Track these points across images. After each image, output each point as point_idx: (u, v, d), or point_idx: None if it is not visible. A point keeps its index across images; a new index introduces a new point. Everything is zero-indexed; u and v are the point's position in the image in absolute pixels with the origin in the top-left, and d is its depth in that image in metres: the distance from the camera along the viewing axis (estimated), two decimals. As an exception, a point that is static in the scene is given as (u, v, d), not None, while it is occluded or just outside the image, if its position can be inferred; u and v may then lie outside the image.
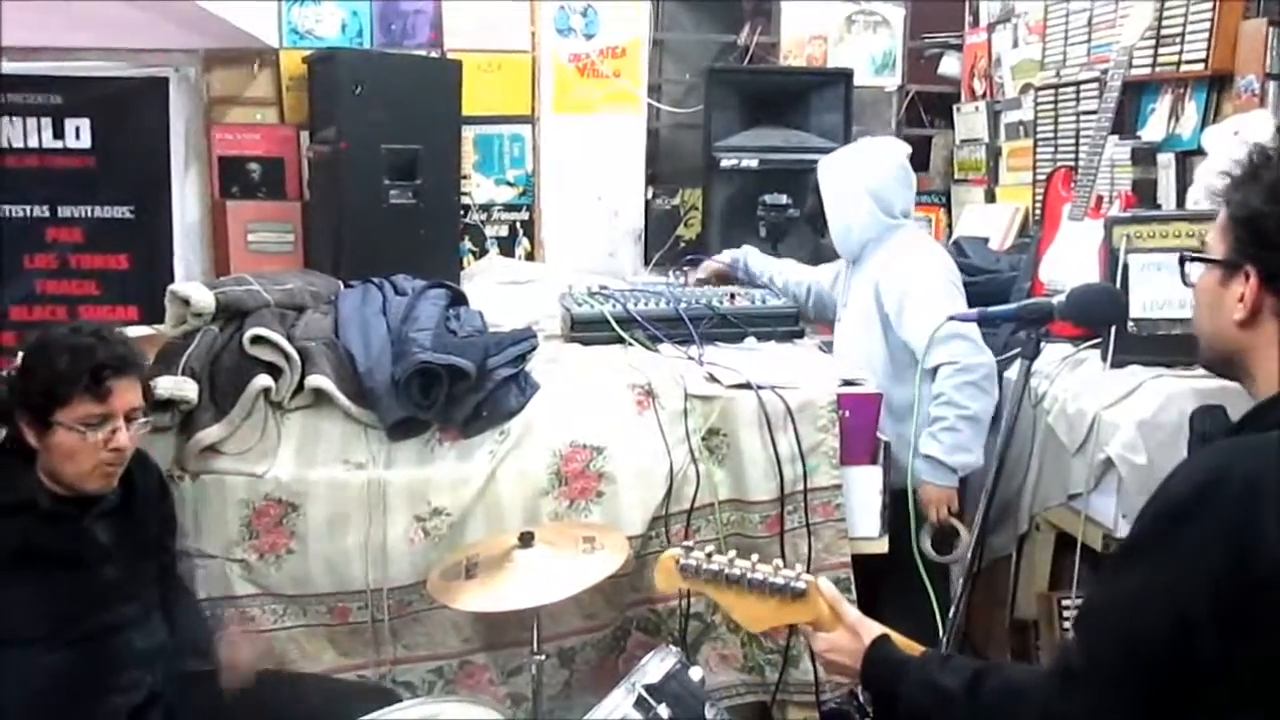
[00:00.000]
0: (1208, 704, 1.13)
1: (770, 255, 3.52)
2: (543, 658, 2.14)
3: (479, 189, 4.06)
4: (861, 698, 3.19)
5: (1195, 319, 1.38)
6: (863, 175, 2.85)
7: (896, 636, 1.51)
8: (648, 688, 1.80)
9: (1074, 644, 1.25)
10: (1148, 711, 1.16)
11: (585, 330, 2.84)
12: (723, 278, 3.35)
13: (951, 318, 2.11)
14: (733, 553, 1.55)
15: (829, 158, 3.01)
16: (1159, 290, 2.56)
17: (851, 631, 1.51)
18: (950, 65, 4.50)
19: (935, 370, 2.62)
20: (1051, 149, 3.75)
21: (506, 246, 4.11)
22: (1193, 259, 1.36)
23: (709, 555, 1.53)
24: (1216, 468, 1.16)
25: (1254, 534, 1.09)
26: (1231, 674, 1.11)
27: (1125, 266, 2.59)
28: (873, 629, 1.51)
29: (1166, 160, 3.16)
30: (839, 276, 3.07)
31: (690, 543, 1.57)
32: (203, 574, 2.36)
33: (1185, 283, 1.37)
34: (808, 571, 2.44)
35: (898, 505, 2.55)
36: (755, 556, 1.55)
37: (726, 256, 3.37)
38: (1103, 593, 1.29)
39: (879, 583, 2.64)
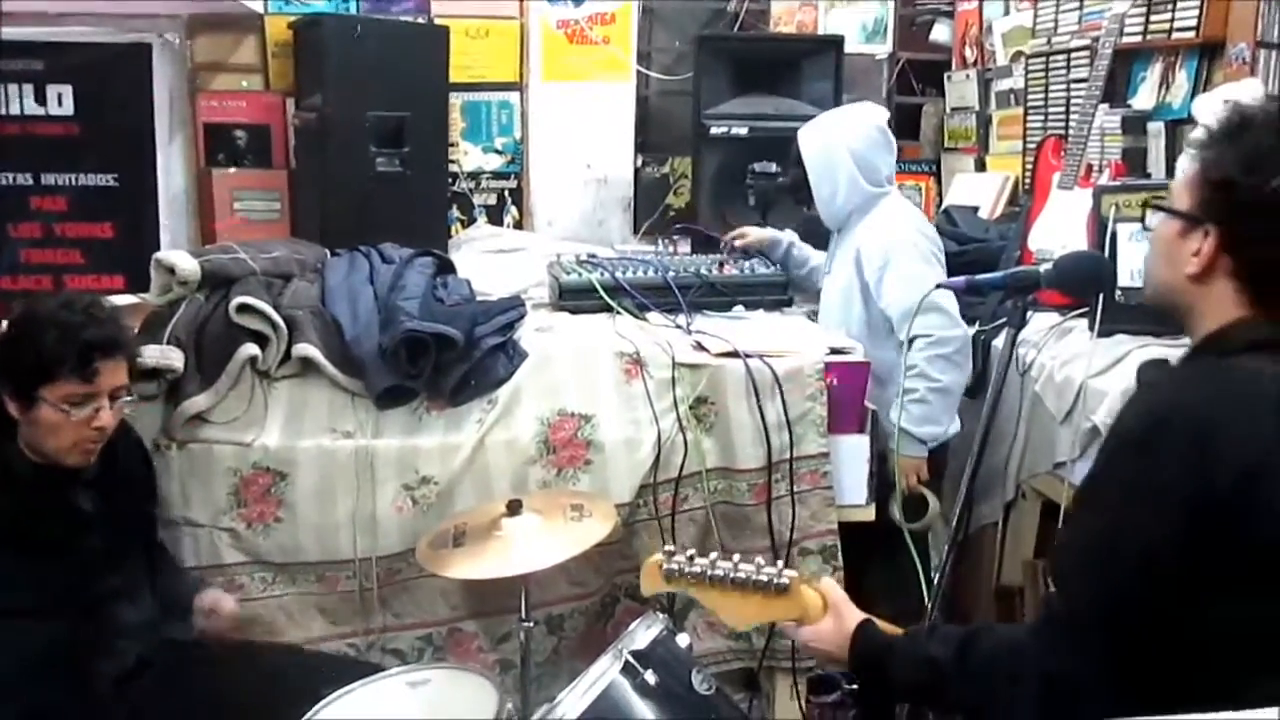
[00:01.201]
0: (1189, 634, 1.16)
1: (760, 225, 3.52)
2: (531, 625, 2.15)
3: (467, 157, 4.04)
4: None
5: (1148, 263, 1.41)
6: (843, 140, 2.83)
7: (878, 621, 1.51)
8: (635, 654, 1.80)
9: (1054, 594, 1.28)
10: (1136, 647, 1.18)
11: (573, 299, 2.83)
12: (758, 249, 3.24)
13: (939, 285, 2.10)
14: (715, 554, 1.56)
15: (808, 125, 2.98)
16: (1147, 259, 2.56)
17: (835, 618, 1.50)
18: (941, 32, 4.48)
19: (911, 341, 2.62)
20: (1042, 117, 3.74)
21: (495, 215, 4.09)
22: (1157, 207, 1.38)
23: (691, 558, 1.55)
24: (1165, 402, 1.21)
25: (1209, 460, 1.13)
26: (1207, 598, 1.14)
27: (1114, 235, 2.59)
28: (858, 614, 1.50)
29: (1157, 129, 3.15)
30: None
31: (671, 547, 1.58)
32: (191, 543, 2.36)
33: (1144, 227, 1.40)
34: (795, 539, 2.50)
35: (882, 470, 2.57)
36: (737, 556, 1.55)
37: (766, 234, 3.24)
38: (1072, 538, 1.31)
39: (868, 550, 2.65)
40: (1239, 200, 1.24)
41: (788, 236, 3.24)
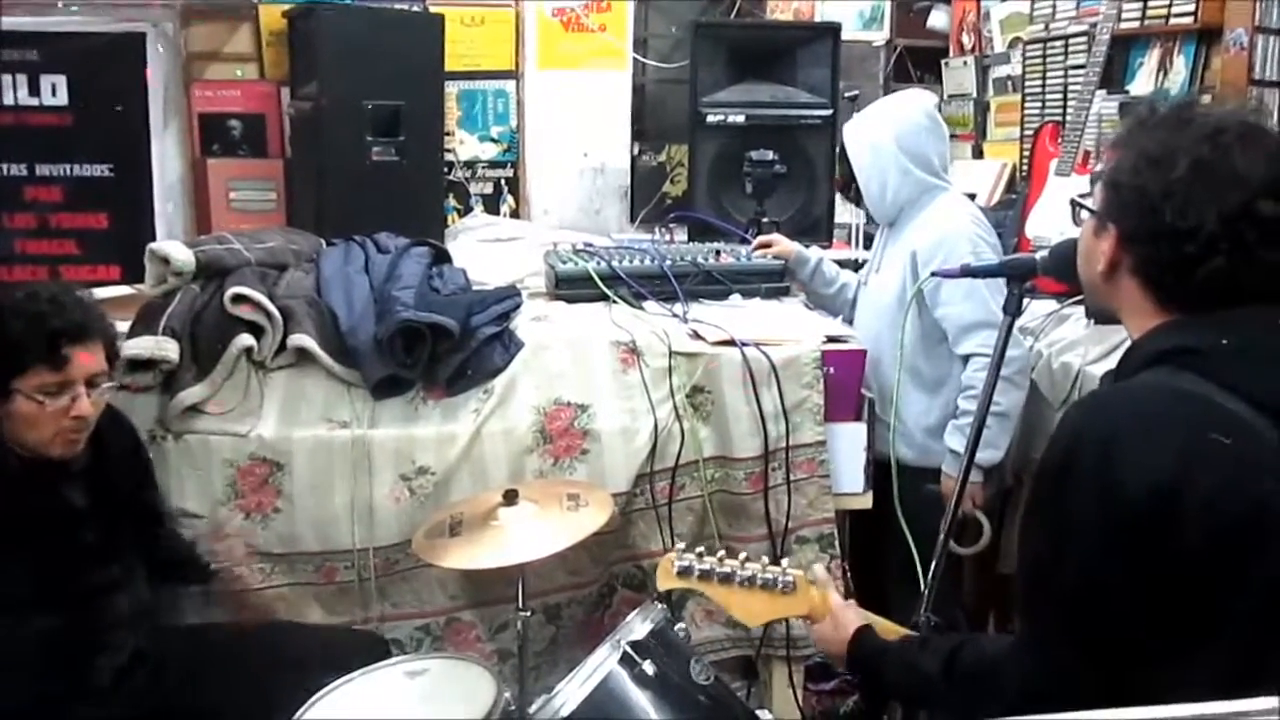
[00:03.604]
0: (1148, 646, 1.18)
1: (758, 213, 3.51)
2: (528, 614, 2.15)
3: (463, 145, 4.03)
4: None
5: (1077, 259, 1.44)
6: (889, 129, 2.68)
7: (879, 621, 1.61)
8: (633, 644, 1.81)
9: (1017, 613, 1.33)
10: (1100, 660, 1.21)
11: (570, 288, 2.83)
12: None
13: (934, 273, 2.09)
14: (722, 551, 1.65)
15: (852, 120, 2.85)
16: (1144, 246, 2.56)
17: (834, 623, 1.60)
18: (939, 19, 4.47)
19: (966, 357, 2.57)
20: (1039, 104, 3.73)
21: (491, 204, 4.08)
22: (1078, 204, 1.43)
23: (700, 555, 1.64)
24: (1076, 429, 1.24)
25: (1115, 483, 1.16)
26: (1156, 609, 1.17)
27: (1111, 222, 2.58)
28: (855, 619, 1.59)
29: (1154, 115, 3.14)
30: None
31: (683, 545, 1.68)
32: (189, 534, 2.35)
33: (1075, 223, 1.45)
34: (792, 527, 2.50)
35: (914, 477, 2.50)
36: (744, 555, 1.65)
37: (794, 248, 3.06)
38: (1021, 559, 1.35)
39: (869, 541, 2.66)
40: (1126, 200, 1.28)
41: (815, 254, 3.08)
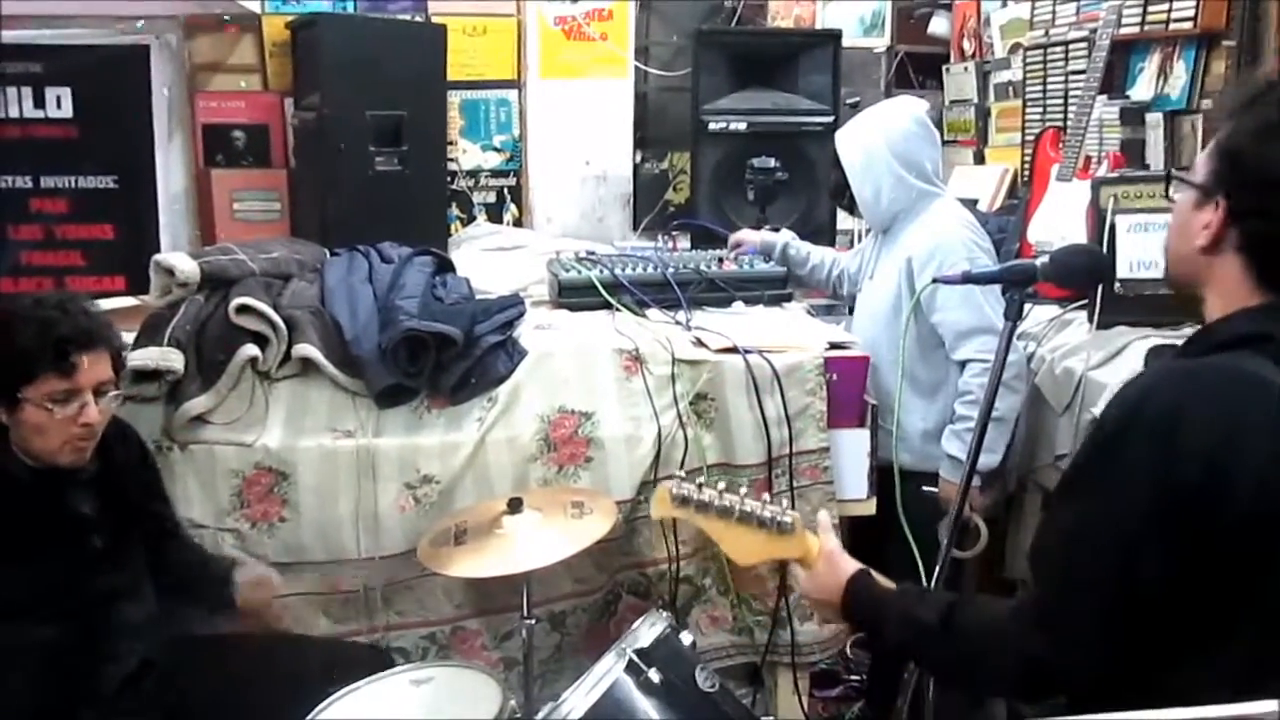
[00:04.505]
0: (1166, 624, 1.17)
1: (760, 220, 3.52)
2: (533, 622, 2.15)
3: (465, 155, 4.04)
4: (850, 655, 3.24)
5: (1167, 235, 1.40)
6: (881, 136, 2.71)
7: (875, 573, 1.55)
8: (639, 652, 1.81)
9: (1030, 582, 1.30)
10: (1108, 638, 1.20)
11: (573, 296, 2.83)
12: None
13: (935, 280, 2.10)
14: (722, 484, 1.62)
15: (844, 127, 2.88)
16: (1146, 251, 2.56)
17: (829, 564, 1.56)
18: (939, 25, 4.47)
19: (963, 363, 2.58)
20: (1040, 109, 3.73)
21: (494, 212, 4.09)
22: (1178, 178, 1.37)
23: (700, 486, 1.60)
24: (1138, 398, 1.21)
25: (1175, 448, 1.14)
26: (1180, 593, 1.15)
27: (1112, 227, 2.59)
28: (850, 565, 1.55)
29: (1155, 120, 3.15)
30: (863, 254, 2.97)
31: (683, 472, 1.65)
32: (200, 542, 2.36)
33: (1168, 198, 1.40)
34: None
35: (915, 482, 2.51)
36: (744, 489, 1.62)
37: (759, 236, 3.24)
38: (1048, 529, 1.32)
39: (872, 548, 2.65)
40: (1244, 171, 1.24)
41: (783, 237, 3.20)
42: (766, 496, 1.62)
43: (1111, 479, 1.19)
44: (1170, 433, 1.15)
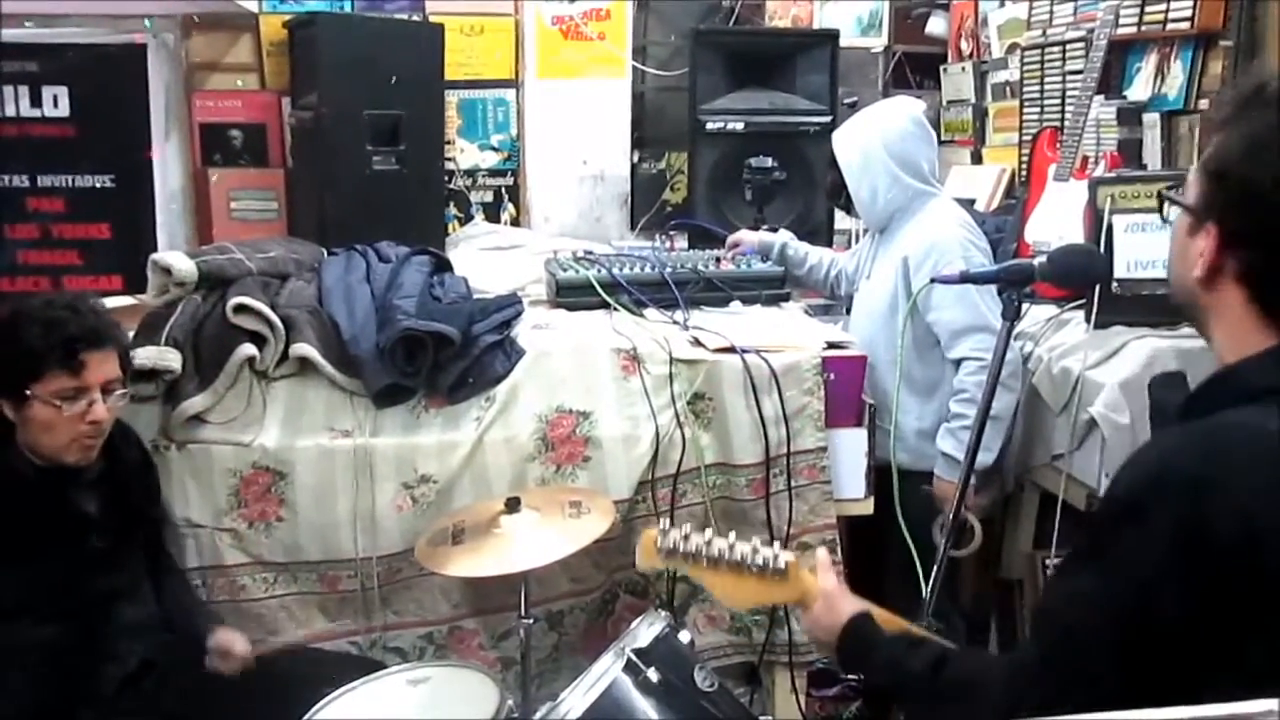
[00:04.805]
0: (1169, 693, 1.09)
1: (758, 220, 3.52)
2: (531, 622, 2.15)
3: (463, 154, 4.03)
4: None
5: (1168, 259, 1.26)
6: (877, 135, 2.72)
7: (877, 610, 1.49)
8: (637, 651, 1.81)
9: (1029, 642, 1.24)
10: (1101, 701, 1.14)
11: (571, 295, 2.83)
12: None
13: (933, 280, 2.10)
14: (710, 531, 1.52)
15: (841, 128, 2.89)
16: (1143, 250, 2.56)
17: (828, 606, 1.48)
18: (937, 25, 4.47)
19: (958, 362, 2.59)
20: (1038, 109, 3.74)
21: (491, 212, 4.08)
22: (1169, 199, 1.22)
23: (686, 535, 1.51)
24: (1158, 466, 1.11)
25: (1206, 513, 1.03)
26: (1190, 676, 1.07)
27: (1110, 227, 2.59)
28: (849, 606, 1.48)
29: (1152, 120, 3.15)
30: (859, 254, 2.98)
31: (667, 524, 1.55)
32: (192, 544, 2.36)
33: (1163, 220, 1.26)
34: (793, 533, 2.50)
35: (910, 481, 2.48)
36: (733, 535, 1.52)
37: (756, 237, 3.24)
38: (1056, 593, 1.26)
39: (869, 547, 2.66)
40: (1231, 192, 1.10)
41: (780, 237, 3.21)
42: (757, 541, 1.51)
43: (1124, 554, 1.09)
44: (1196, 500, 1.04)
